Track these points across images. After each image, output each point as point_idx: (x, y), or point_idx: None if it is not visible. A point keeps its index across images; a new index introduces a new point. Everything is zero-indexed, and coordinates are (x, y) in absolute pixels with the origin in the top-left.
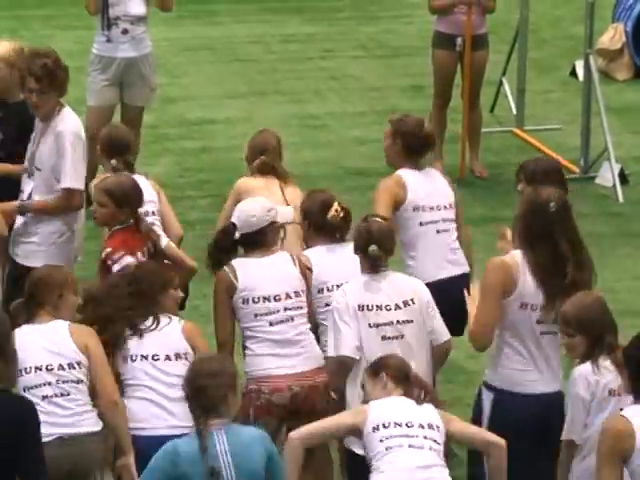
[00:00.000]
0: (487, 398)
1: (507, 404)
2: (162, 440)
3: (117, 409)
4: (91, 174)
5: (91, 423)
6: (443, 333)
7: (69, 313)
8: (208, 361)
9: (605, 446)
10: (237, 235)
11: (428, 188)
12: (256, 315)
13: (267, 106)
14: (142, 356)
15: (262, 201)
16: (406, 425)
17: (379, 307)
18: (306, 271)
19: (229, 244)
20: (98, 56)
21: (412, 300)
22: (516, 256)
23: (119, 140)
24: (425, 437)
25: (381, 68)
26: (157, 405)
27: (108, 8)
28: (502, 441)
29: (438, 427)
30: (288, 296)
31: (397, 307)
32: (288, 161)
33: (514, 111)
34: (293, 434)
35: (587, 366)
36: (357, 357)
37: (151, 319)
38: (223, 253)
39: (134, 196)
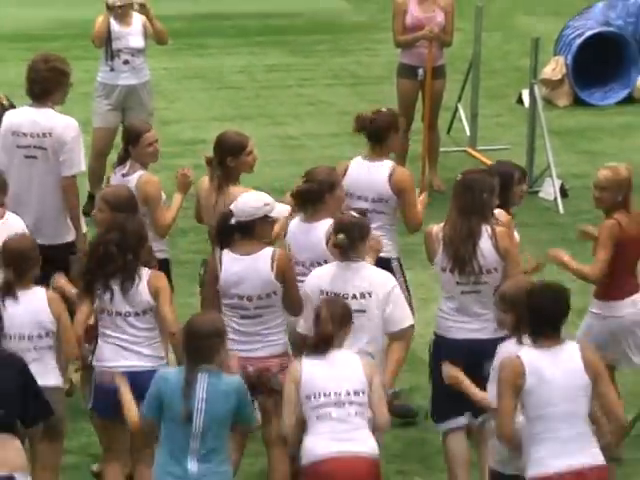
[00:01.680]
0: (432, 341)
1: (440, 346)
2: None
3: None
4: (97, 185)
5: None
6: (400, 321)
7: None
8: (203, 322)
9: (503, 382)
10: (233, 221)
11: (364, 178)
12: (231, 307)
13: (252, 128)
14: (116, 312)
15: (262, 195)
16: (334, 394)
17: (337, 295)
18: (284, 269)
19: (226, 229)
20: (102, 84)
21: (369, 293)
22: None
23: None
24: (351, 403)
25: (352, 95)
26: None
27: (111, 41)
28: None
29: (363, 392)
30: (259, 297)
31: (353, 297)
32: (270, 176)
33: (468, 133)
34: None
35: (512, 341)
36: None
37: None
38: (222, 236)
39: (128, 204)
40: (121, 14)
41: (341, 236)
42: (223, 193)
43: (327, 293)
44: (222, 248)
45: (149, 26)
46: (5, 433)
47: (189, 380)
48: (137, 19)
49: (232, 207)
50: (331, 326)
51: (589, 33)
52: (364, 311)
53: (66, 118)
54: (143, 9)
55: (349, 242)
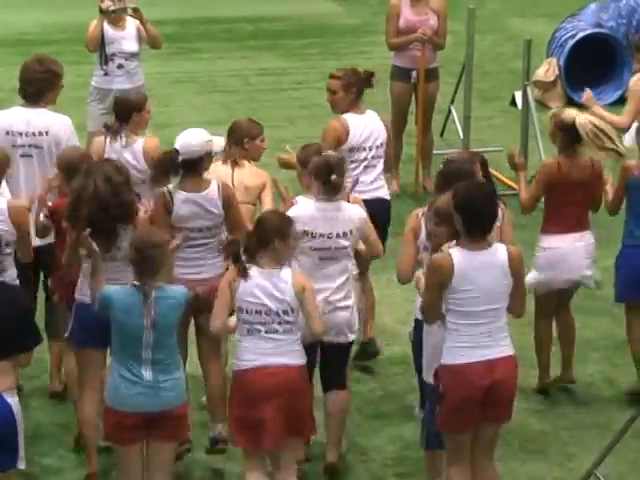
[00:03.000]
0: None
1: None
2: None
3: None
4: None
5: None
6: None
7: None
8: (151, 234)
9: (431, 275)
10: (179, 159)
11: (365, 131)
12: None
13: None
14: None
15: (202, 132)
16: (265, 314)
17: (322, 235)
18: (229, 200)
19: (171, 166)
20: (97, 88)
21: (351, 231)
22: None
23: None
24: (280, 322)
25: None
26: None
27: (105, 46)
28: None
29: (292, 310)
30: (208, 229)
31: (337, 236)
32: None
33: (461, 135)
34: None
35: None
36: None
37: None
38: (165, 173)
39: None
40: (115, 18)
41: (334, 176)
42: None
43: (312, 234)
44: (163, 184)
45: (143, 30)
46: None
47: (144, 294)
48: (131, 23)
49: (177, 146)
50: (268, 239)
51: (581, 35)
52: (346, 247)
53: (61, 116)
54: (136, 13)
55: (341, 181)
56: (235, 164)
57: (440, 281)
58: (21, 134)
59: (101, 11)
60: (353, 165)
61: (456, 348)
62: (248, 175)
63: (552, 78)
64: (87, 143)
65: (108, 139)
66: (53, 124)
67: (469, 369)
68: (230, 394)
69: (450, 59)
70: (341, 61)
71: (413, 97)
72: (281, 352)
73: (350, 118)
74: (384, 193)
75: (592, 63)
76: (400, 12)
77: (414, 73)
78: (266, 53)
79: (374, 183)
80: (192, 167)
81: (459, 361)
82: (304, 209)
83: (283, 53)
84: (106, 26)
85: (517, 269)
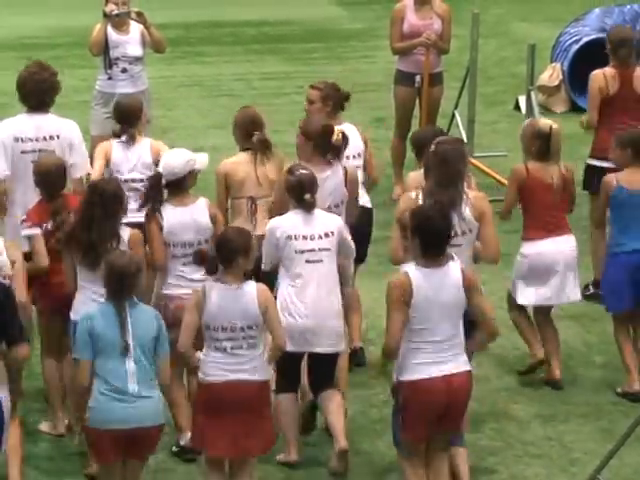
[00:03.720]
0: None
1: None
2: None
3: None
4: None
5: None
6: (352, 251)
7: None
8: (126, 256)
9: (393, 296)
10: (163, 182)
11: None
12: (173, 256)
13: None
14: None
15: (183, 153)
16: (230, 330)
17: (305, 237)
18: (215, 217)
19: (157, 189)
20: (100, 92)
21: (332, 232)
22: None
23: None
24: (244, 337)
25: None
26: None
27: (109, 50)
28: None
29: (256, 325)
30: (199, 242)
31: (320, 237)
32: None
33: (465, 139)
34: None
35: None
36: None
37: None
38: (153, 196)
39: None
40: (118, 22)
41: (307, 196)
42: (264, 164)
43: (295, 237)
44: (155, 209)
45: (147, 34)
46: None
47: (120, 312)
48: (135, 27)
49: (160, 169)
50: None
51: (586, 39)
52: (329, 249)
53: (69, 121)
54: (140, 17)
55: (314, 199)
56: (257, 158)
57: (401, 298)
58: (31, 139)
59: (105, 15)
60: None
61: (416, 365)
62: (271, 169)
63: (556, 83)
64: (91, 147)
65: (120, 144)
66: (63, 128)
67: (428, 384)
68: (196, 402)
69: (454, 63)
70: (345, 65)
71: (417, 102)
72: (245, 368)
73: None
74: (364, 201)
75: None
76: (404, 16)
77: (418, 77)
78: (270, 57)
79: None
80: (176, 186)
81: (418, 377)
82: (285, 217)
83: (287, 57)
84: (110, 30)
85: (470, 287)
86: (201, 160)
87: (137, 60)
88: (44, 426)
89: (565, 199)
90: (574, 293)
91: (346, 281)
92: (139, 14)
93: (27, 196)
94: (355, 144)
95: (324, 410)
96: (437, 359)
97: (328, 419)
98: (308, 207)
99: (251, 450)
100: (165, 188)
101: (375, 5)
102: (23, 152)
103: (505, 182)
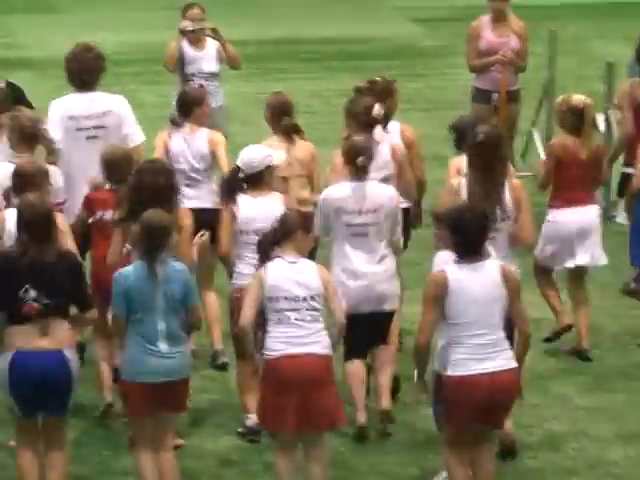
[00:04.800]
0: None
1: None
2: None
3: None
4: None
5: None
6: (398, 234)
7: None
8: (160, 214)
9: (428, 293)
10: (241, 175)
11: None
12: (246, 243)
13: (327, 152)
14: None
15: (261, 148)
16: (293, 300)
17: (353, 212)
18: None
19: (235, 182)
20: None
21: (382, 206)
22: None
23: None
24: (307, 308)
25: (426, 119)
26: None
27: (185, 66)
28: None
29: (319, 296)
30: None
31: (368, 212)
32: None
33: (542, 157)
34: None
35: (446, 252)
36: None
37: None
38: (231, 188)
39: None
40: (194, 38)
41: (361, 159)
42: (293, 146)
43: (343, 210)
44: (231, 200)
45: (222, 51)
46: (57, 317)
47: (152, 270)
48: (211, 43)
49: (239, 163)
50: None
51: None
52: (377, 223)
53: (117, 96)
54: (215, 33)
55: (367, 163)
56: (289, 140)
57: (436, 295)
58: (86, 117)
59: (180, 31)
60: None
61: (457, 360)
62: (299, 149)
63: None
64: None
65: (172, 132)
66: (113, 103)
67: (470, 381)
68: (261, 382)
69: (531, 81)
70: (423, 82)
71: (494, 119)
72: (308, 341)
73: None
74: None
75: None
76: (481, 34)
77: (495, 95)
78: (347, 74)
79: None
80: (254, 180)
81: (460, 373)
82: (337, 187)
83: (364, 74)
84: (186, 46)
85: (513, 290)
86: (278, 156)
87: (213, 76)
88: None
89: (595, 174)
90: (600, 258)
91: (395, 251)
92: (214, 30)
93: (87, 172)
94: (383, 158)
95: (374, 367)
96: (478, 355)
97: (377, 376)
98: (361, 172)
99: (319, 425)
100: (244, 182)
101: (452, 22)
102: (78, 129)
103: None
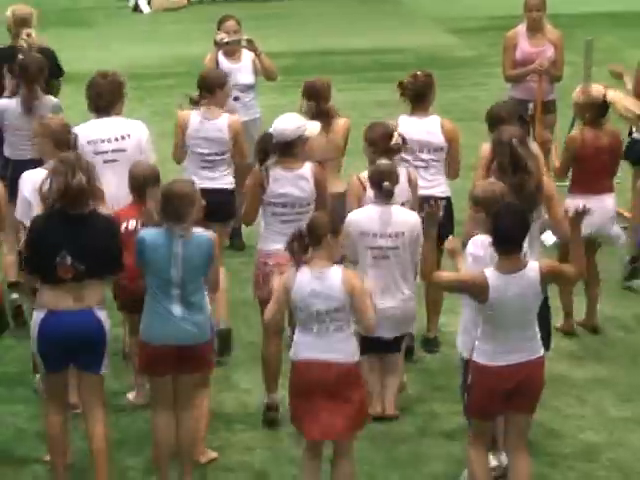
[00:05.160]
0: None
1: None
2: None
3: None
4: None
5: None
6: (417, 247)
7: None
8: (181, 184)
9: (464, 280)
10: (274, 141)
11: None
12: (273, 214)
13: (363, 163)
14: None
15: (295, 117)
16: (317, 313)
17: (375, 235)
18: (320, 182)
19: (267, 148)
20: None
21: (403, 233)
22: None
23: None
24: (331, 320)
25: (462, 129)
26: None
27: None
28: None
29: (343, 307)
30: (300, 205)
31: (390, 236)
32: None
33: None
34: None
35: (483, 235)
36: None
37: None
38: (262, 154)
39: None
40: (230, 50)
41: (386, 184)
42: (328, 131)
43: (366, 233)
44: (261, 164)
45: (258, 63)
46: (92, 279)
47: (170, 237)
48: (246, 55)
49: (271, 130)
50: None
51: None
52: (397, 248)
53: (136, 121)
54: (251, 45)
55: (393, 188)
56: (324, 121)
57: (472, 291)
58: (103, 140)
59: (216, 43)
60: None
61: (488, 350)
62: (335, 132)
63: None
64: None
65: (195, 114)
66: (133, 128)
67: (497, 371)
68: (289, 385)
69: (568, 91)
70: (458, 92)
71: (530, 129)
72: (332, 349)
73: (404, 120)
74: (439, 191)
75: None
76: (517, 43)
77: (531, 105)
78: (382, 85)
79: (431, 182)
80: (285, 149)
81: (488, 362)
82: (362, 210)
83: None
84: (221, 58)
85: (549, 278)
86: (312, 127)
87: (249, 88)
88: (130, 395)
89: (612, 163)
90: (617, 233)
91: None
92: (249, 41)
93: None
94: (434, 137)
95: (384, 372)
96: (508, 347)
97: (385, 381)
98: (386, 196)
99: (341, 433)
100: (276, 150)
101: (488, 32)
102: (96, 153)
103: (625, 214)
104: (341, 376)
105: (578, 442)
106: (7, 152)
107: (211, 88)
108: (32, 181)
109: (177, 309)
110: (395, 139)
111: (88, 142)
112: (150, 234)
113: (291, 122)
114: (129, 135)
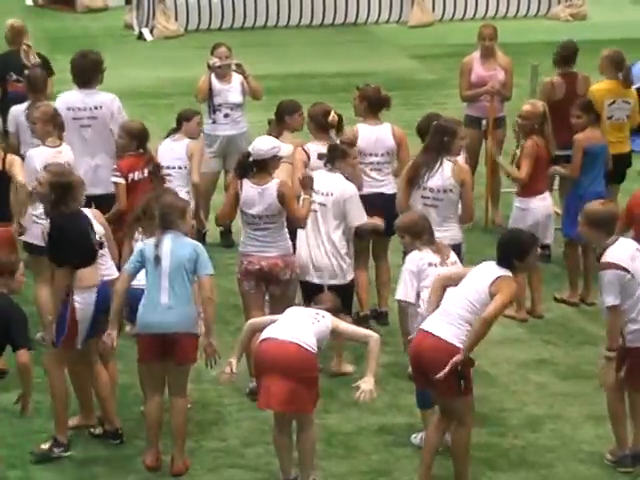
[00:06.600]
0: None
1: None
2: None
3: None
4: (206, 218)
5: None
6: (355, 219)
7: None
8: (168, 195)
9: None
10: (250, 159)
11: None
12: (246, 222)
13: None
14: None
15: (271, 140)
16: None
17: (316, 192)
18: (283, 196)
19: (245, 164)
20: (206, 134)
21: (331, 193)
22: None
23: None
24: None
25: (421, 144)
26: None
27: (213, 97)
28: (376, 334)
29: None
30: (267, 217)
31: (323, 194)
32: None
33: None
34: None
35: (415, 252)
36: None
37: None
38: (241, 168)
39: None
40: (221, 73)
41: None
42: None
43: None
44: (240, 178)
45: (246, 84)
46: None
47: (160, 238)
48: (236, 77)
49: (250, 149)
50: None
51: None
52: (324, 205)
53: (110, 94)
54: (240, 68)
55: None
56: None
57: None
58: (81, 109)
59: (209, 67)
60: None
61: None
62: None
63: None
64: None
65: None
66: (106, 100)
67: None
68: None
69: (515, 109)
70: (421, 110)
71: (483, 142)
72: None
73: (362, 127)
74: (387, 189)
75: None
76: (472, 68)
77: (484, 121)
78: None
79: (382, 182)
80: (260, 166)
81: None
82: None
83: None
84: (214, 80)
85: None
86: (285, 149)
87: (237, 106)
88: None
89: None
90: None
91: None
92: (238, 65)
93: (82, 153)
94: (385, 144)
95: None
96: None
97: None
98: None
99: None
100: (252, 166)
101: (446, 59)
102: (74, 119)
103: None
104: (298, 355)
105: (523, 415)
106: (22, 150)
107: (178, 122)
108: (41, 156)
109: (165, 299)
110: (331, 117)
111: (68, 108)
112: (145, 243)
113: (267, 143)
114: (101, 107)
